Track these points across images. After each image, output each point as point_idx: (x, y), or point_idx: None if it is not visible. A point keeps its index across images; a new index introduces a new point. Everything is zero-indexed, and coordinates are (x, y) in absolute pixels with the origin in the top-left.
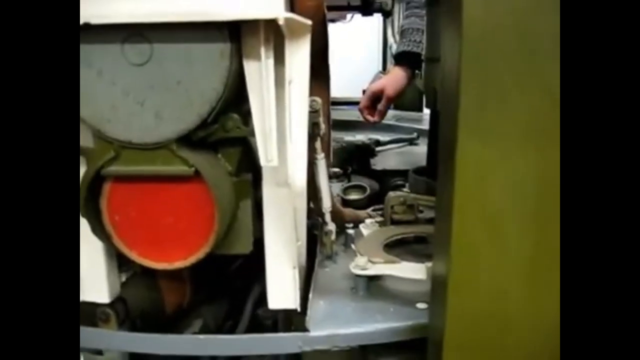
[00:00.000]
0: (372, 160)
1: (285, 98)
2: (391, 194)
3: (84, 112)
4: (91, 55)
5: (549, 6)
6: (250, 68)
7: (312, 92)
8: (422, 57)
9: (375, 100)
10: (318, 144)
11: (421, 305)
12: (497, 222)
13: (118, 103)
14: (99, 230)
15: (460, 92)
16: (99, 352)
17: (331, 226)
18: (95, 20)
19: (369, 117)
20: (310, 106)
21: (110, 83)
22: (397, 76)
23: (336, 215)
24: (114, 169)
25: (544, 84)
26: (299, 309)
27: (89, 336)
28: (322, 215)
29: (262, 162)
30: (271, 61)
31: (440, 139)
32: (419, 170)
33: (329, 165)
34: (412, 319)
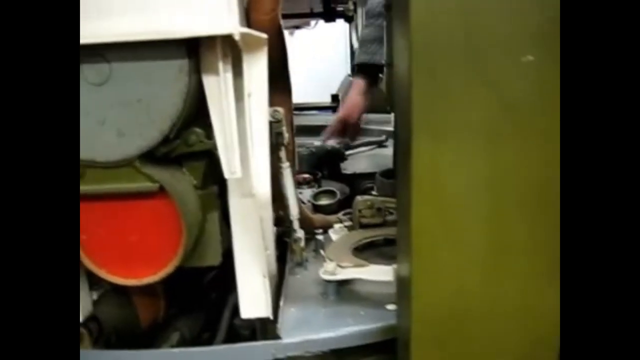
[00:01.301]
0: (342, 165)
1: (245, 110)
2: (359, 198)
3: None
4: None
5: (495, 5)
6: (209, 82)
7: (274, 102)
8: (380, 67)
9: (343, 126)
10: (283, 153)
11: (390, 307)
12: (454, 219)
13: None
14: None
15: (412, 94)
16: None
17: (300, 233)
18: None
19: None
20: (272, 116)
21: None
22: (355, 100)
23: (305, 222)
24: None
25: (490, 82)
26: (271, 317)
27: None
28: (290, 222)
29: (226, 174)
30: (229, 75)
31: (398, 141)
32: (386, 173)
33: (294, 173)
34: (382, 320)
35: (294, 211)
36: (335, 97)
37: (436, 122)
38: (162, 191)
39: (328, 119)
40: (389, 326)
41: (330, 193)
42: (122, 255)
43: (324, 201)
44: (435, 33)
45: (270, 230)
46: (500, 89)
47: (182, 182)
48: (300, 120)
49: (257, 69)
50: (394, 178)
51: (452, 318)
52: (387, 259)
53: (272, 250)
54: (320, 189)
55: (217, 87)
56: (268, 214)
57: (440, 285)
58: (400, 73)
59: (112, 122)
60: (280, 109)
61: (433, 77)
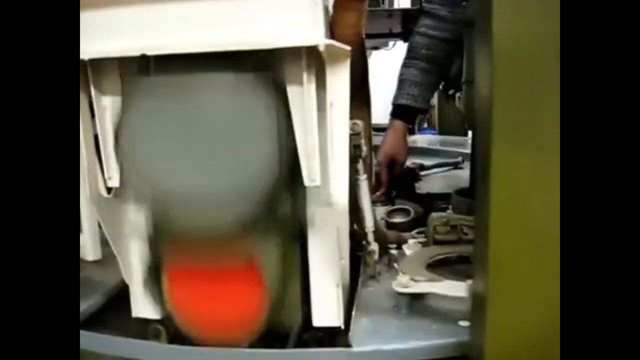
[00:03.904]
0: (416, 185)
1: (326, 120)
2: (434, 214)
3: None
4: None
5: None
6: (293, 92)
7: (353, 115)
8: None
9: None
10: (360, 166)
11: (463, 323)
12: (534, 233)
13: None
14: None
15: (493, 104)
16: None
17: (374, 246)
18: None
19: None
20: (352, 129)
21: None
22: (399, 142)
23: (379, 237)
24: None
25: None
26: (342, 327)
27: (142, 349)
28: (364, 235)
29: (306, 182)
30: (313, 85)
31: (476, 157)
32: (461, 192)
33: (370, 187)
34: (454, 336)
35: (369, 223)
36: None
37: (517, 132)
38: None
39: None
40: (461, 342)
41: (404, 211)
42: (210, 319)
43: (397, 219)
44: (517, 40)
45: (346, 241)
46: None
47: (269, 248)
48: (376, 140)
49: (339, 79)
50: (471, 196)
51: (531, 339)
52: (460, 275)
53: (346, 260)
54: (394, 207)
55: (301, 96)
56: (345, 224)
57: (518, 303)
58: (481, 86)
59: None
60: (359, 122)
61: (516, 87)
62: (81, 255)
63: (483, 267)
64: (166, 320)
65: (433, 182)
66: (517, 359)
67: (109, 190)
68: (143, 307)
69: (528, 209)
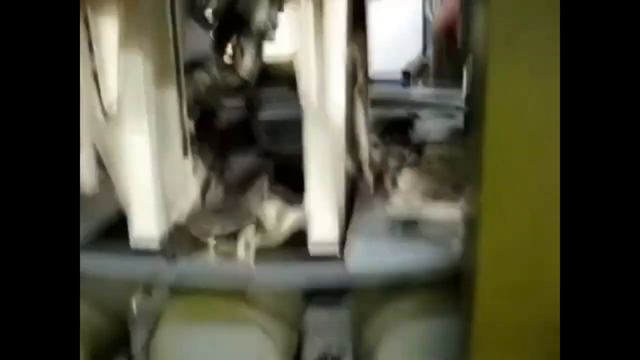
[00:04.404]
0: (410, 132)
1: (324, 45)
2: (429, 149)
3: None
4: None
5: None
6: (291, 17)
7: (351, 47)
8: None
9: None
10: (356, 93)
11: (456, 244)
12: (530, 141)
13: None
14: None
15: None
16: None
17: (368, 174)
18: None
19: None
20: (348, 58)
21: None
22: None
23: (375, 168)
24: None
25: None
26: (337, 247)
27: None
28: (359, 163)
29: (304, 102)
30: (310, 9)
31: (474, 73)
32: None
33: (366, 115)
34: (448, 256)
35: (364, 152)
36: (406, 74)
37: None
38: None
39: (399, 91)
40: (453, 263)
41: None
42: None
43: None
44: None
45: (342, 163)
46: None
47: None
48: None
49: (337, 6)
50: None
51: (522, 260)
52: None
53: (342, 183)
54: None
55: (299, 20)
56: (341, 147)
57: (512, 218)
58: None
59: None
60: (356, 51)
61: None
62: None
63: (477, 184)
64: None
65: (427, 130)
66: (511, 274)
67: (104, 113)
68: (142, 231)
69: (525, 114)
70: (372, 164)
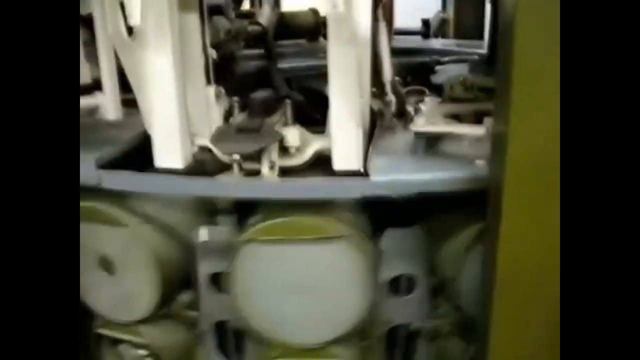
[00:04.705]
0: (432, 77)
1: None
2: (451, 74)
3: None
4: None
5: None
6: None
7: None
8: None
9: None
10: (379, 12)
11: (480, 162)
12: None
13: None
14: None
15: None
16: None
17: (391, 97)
18: None
19: None
20: None
21: None
22: None
23: (398, 96)
24: None
25: None
26: (361, 169)
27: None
28: (382, 85)
29: (328, 9)
30: None
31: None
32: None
33: (390, 35)
34: (471, 172)
35: (387, 73)
36: (426, 22)
37: None
38: None
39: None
40: (477, 176)
41: (420, 92)
42: None
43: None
44: None
45: (367, 80)
46: None
47: None
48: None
49: None
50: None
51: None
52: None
53: (367, 100)
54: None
55: None
56: (366, 61)
57: (538, 135)
58: None
59: None
60: None
61: None
62: (102, 114)
63: (505, 101)
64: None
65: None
66: (536, 190)
67: (130, 30)
68: (165, 151)
69: (555, 30)
70: (394, 87)
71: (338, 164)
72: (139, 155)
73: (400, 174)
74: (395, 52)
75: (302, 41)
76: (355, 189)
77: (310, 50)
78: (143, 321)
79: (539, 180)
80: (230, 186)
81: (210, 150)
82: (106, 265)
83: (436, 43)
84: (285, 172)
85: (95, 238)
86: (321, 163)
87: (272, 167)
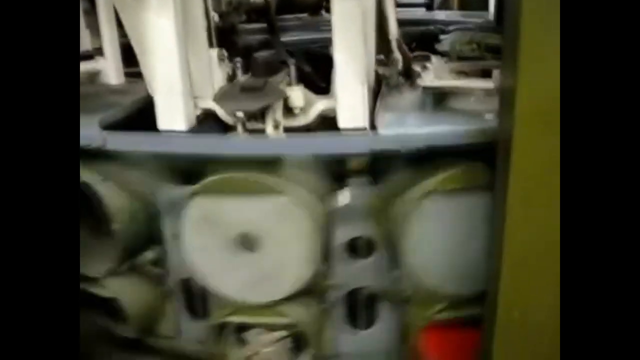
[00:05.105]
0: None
1: None
2: (459, 32)
3: None
4: None
5: None
6: None
7: None
8: None
9: None
10: None
11: (489, 116)
12: None
13: None
14: None
15: None
16: None
17: (397, 54)
18: None
19: None
20: None
21: None
22: None
23: (404, 54)
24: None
25: None
26: (367, 127)
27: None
28: (388, 43)
29: None
30: None
31: None
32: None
33: None
34: (480, 125)
35: (393, 30)
36: None
37: None
38: None
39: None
40: (486, 129)
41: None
42: None
43: None
44: None
45: (372, 37)
46: None
47: None
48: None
49: None
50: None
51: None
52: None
53: (372, 57)
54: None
55: None
56: (372, 15)
57: (545, 87)
58: None
59: None
60: None
61: None
62: (105, 79)
63: (513, 56)
64: None
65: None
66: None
67: None
68: (169, 113)
69: None
70: (400, 46)
71: (343, 122)
72: (142, 118)
73: (408, 127)
74: (400, 23)
75: (304, 15)
76: (363, 144)
77: (312, 23)
78: (283, 300)
79: (545, 131)
80: (236, 143)
81: (214, 114)
82: (247, 242)
83: (440, 14)
84: (289, 132)
85: (234, 214)
86: (326, 125)
87: (276, 127)
